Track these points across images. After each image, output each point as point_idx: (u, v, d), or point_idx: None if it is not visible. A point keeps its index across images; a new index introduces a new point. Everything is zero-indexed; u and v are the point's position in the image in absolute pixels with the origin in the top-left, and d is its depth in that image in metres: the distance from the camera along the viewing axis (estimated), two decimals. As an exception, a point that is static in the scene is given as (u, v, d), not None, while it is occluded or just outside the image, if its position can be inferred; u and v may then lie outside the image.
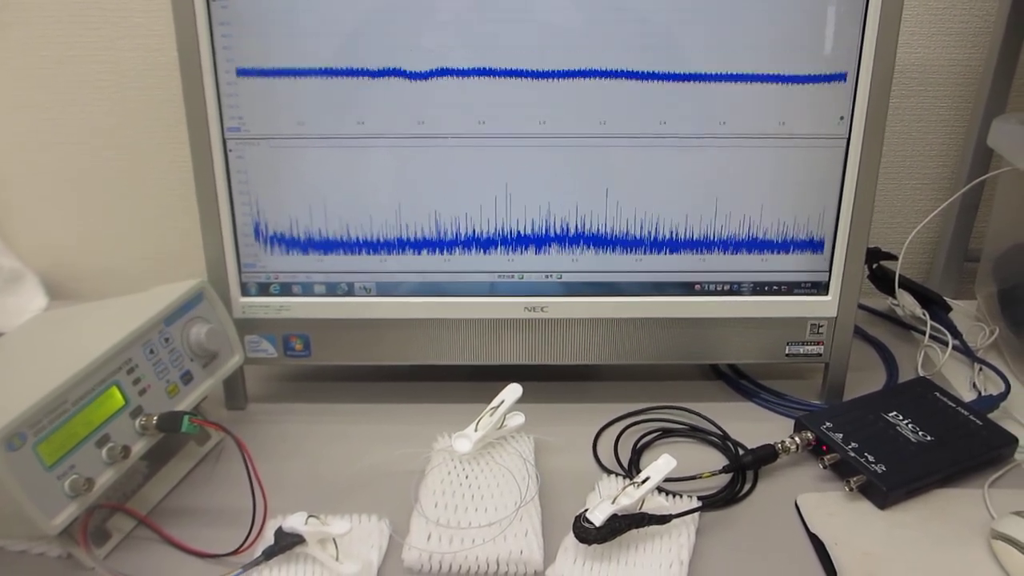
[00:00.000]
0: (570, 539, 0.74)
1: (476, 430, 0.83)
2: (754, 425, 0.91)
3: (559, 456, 0.86)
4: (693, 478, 0.82)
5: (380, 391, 0.99)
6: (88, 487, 0.68)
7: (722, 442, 0.88)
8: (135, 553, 0.75)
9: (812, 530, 0.76)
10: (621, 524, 0.72)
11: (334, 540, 0.70)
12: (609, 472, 0.84)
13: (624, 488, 0.73)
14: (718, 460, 0.87)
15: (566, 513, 0.78)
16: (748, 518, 0.79)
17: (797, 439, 0.85)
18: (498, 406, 0.84)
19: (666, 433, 0.90)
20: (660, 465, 0.75)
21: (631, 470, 0.85)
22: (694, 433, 0.90)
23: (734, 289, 0.91)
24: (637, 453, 0.87)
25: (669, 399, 0.95)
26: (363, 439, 0.90)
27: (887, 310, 1.16)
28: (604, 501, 0.73)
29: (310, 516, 0.71)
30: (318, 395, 0.99)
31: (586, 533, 0.71)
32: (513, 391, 0.85)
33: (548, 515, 0.77)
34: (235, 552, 0.73)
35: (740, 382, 0.99)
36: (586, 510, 0.73)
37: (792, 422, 0.90)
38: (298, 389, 1.01)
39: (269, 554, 0.71)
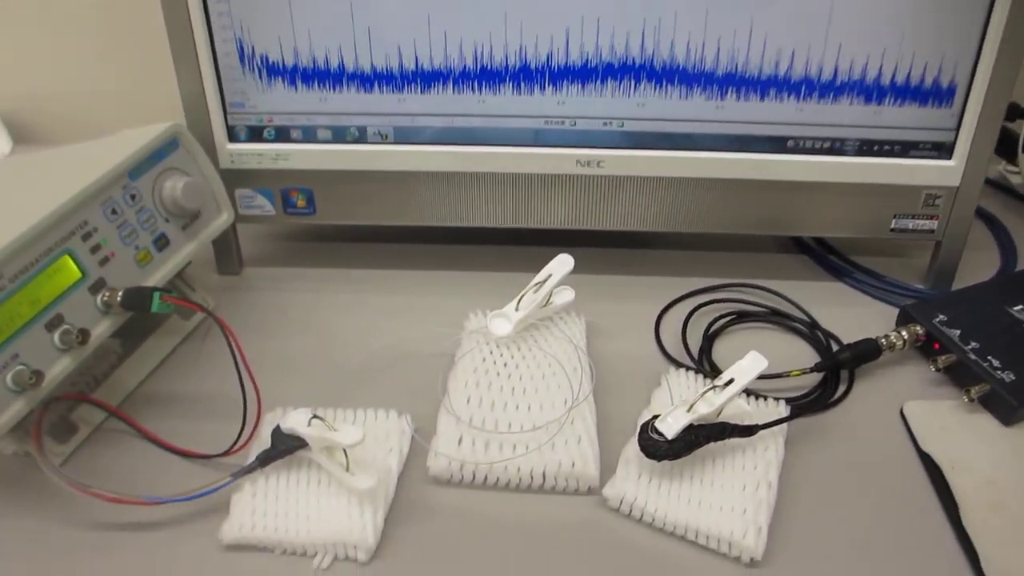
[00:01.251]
0: (632, 449, 0.60)
1: (517, 309, 0.68)
2: (846, 311, 0.76)
3: (616, 342, 0.72)
4: (779, 376, 0.68)
5: (399, 255, 0.84)
6: (36, 381, 0.54)
7: (810, 331, 0.74)
8: (106, 449, 0.63)
9: (923, 448, 0.62)
10: (697, 436, 0.58)
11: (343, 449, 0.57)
12: (677, 364, 0.70)
13: (703, 393, 0.59)
14: (804, 353, 0.72)
15: (625, 415, 0.64)
16: (843, 428, 0.65)
17: (904, 333, 0.70)
18: (544, 281, 0.69)
19: (742, 317, 0.75)
20: (746, 366, 0.61)
21: (702, 361, 0.71)
22: (776, 319, 0.75)
23: (836, 148, 0.73)
24: (709, 340, 0.72)
25: (744, 275, 0.80)
26: (379, 313, 0.76)
27: (998, 177, 0.98)
28: (678, 408, 0.59)
29: (314, 416, 0.58)
30: (325, 258, 0.84)
31: (655, 447, 0.58)
32: (562, 264, 0.69)
33: (604, 416, 0.64)
34: (225, 453, 0.60)
35: (828, 258, 0.83)
36: (655, 418, 0.59)
37: (892, 310, 0.75)
38: (302, 251, 0.86)
39: (264, 459, 0.58)
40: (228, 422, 0.61)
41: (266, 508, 0.56)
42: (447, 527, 0.57)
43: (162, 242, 0.65)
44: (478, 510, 0.58)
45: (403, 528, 0.57)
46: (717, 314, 0.75)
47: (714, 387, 0.59)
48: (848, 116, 0.72)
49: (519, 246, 0.84)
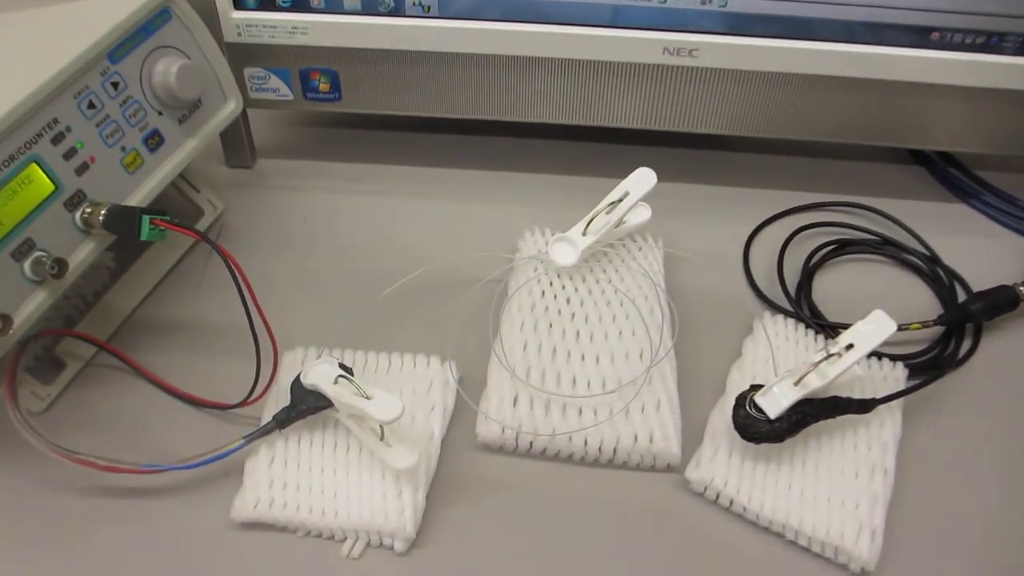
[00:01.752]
0: (720, 420, 0.50)
1: (585, 233, 0.57)
2: (971, 243, 0.64)
3: (697, 273, 0.60)
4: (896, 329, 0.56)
5: (439, 149, 0.72)
6: (3, 326, 0.44)
7: (929, 268, 0.62)
8: (98, 388, 0.54)
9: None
10: (805, 415, 0.48)
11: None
12: (772, 305, 0.59)
13: (817, 363, 0.48)
14: (921, 295, 0.61)
15: (710, 369, 0.54)
16: (968, 397, 0.54)
17: (1050, 278, 0.58)
18: (619, 200, 0.56)
19: (846, 246, 0.63)
20: (869, 330, 0.49)
21: (800, 302, 0.59)
22: (888, 250, 0.63)
23: (992, 43, 0.58)
24: (808, 275, 0.61)
25: (848, 190, 0.67)
26: (415, 221, 0.65)
27: None
28: (784, 380, 0.48)
29: (341, 374, 0.48)
30: (352, 150, 0.72)
31: (754, 428, 0.47)
32: (642, 181, 0.57)
33: (685, 370, 0.54)
34: (238, 405, 0.51)
35: (951, 173, 0.69)
36: (753, 389, 0.49)
37: (1026, 242, 0.63)
38: (325, 140, 0.73)
39: (283, 420, 0.48)
40: (239, 358, 0.51)
41: (285, 479, 0.47)
42: (497, 507, 0.48)
43: (154, 140, 0.53)
44: (533, 485, 0.49)
45: (447, 508, 0.48)
46: (818, 242, 0.63)
47: (828, 355, 0.49)
48: (1011, 4, 0.57)
49: (583, 142, 0.71)
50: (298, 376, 0.49)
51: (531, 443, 0.50)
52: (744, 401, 0.48)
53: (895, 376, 0.54)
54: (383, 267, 0.59)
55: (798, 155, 0.71)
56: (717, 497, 0.48)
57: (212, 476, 0.49)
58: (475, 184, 0.68)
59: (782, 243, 0.63)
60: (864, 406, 0.50)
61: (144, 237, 0.47)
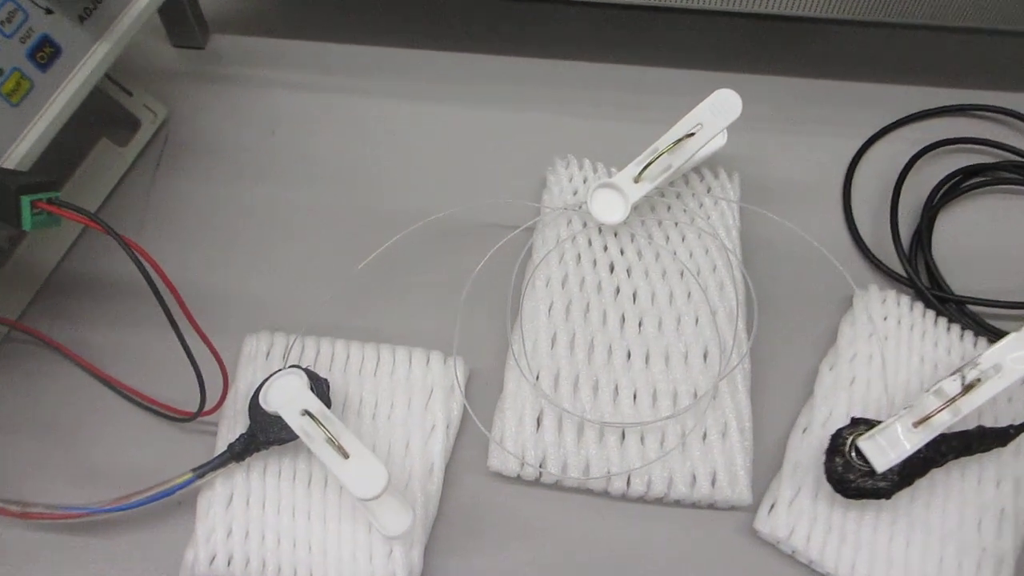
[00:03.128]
0: (803, 447, 0.39)
1: (639, 179, 0.42)
2: None
3: (777, 214, 0.45)
4: (1044, 310, 0.43)
5: (450, 25, 0.55)
6: None
7: (1094, 211, 0.47)
8: (14, 370, 0.43)
9: None
10: (927, 461, 0.36)
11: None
12: (879, 267, 0.45)
13: (949, 401, 0.35)
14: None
15: (787, 364, 0.42)
16: None
17: None
18: (689, 135, 0.41)
19: (979, 172, 0.47)
20: (1020, 339, 0.36)
21: (915, 262, 0.45)
22: (1040, 183, 0.48)
23: None
24: (930, 215, 0.46)
25: (979, 82, 0.50)
26: (408, 136, 0.50)
27: None
28: (900, 419, 0.36)
29: (306, 410, 0.36)
30: (336, 24, 0.55)
31: (857, 485, 0.36)
32: (722, 108, 0.41)
33: (757, 367, 0.41)
34: (185, 417, 0.40)
35: None
36: (854, 427, 0.37)
37: None
38: (300, 9, 0.56)
39: (240, 454, 0.38)
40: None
41: (248, 526, 0.38)
42: (514, 554, 0.38)
43: (45, 53, 0.38)
44: (561, 525, 0.39)
45: (450, 558, 0.38)
46: (943, 167, 0.47)
47: (965, 387, 0.36)
48: None
49: (639, 66, 0.53)
50: (257, 392, 0.38)
51: (558, 480, 0.39)
52: (843, 444, 0.36)
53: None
54: (374, 210, 0.46)
55: (912, 48, 0.53)
56: (794, 553, 0.38)
57: (155, 515, 0.39)
58: (499, 81, 0.52)
59: (900, 170, 0.47)
60: (1002, 437, 0.38)
61: (27, 227, 0.34)
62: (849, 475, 0.36)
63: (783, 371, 0.42)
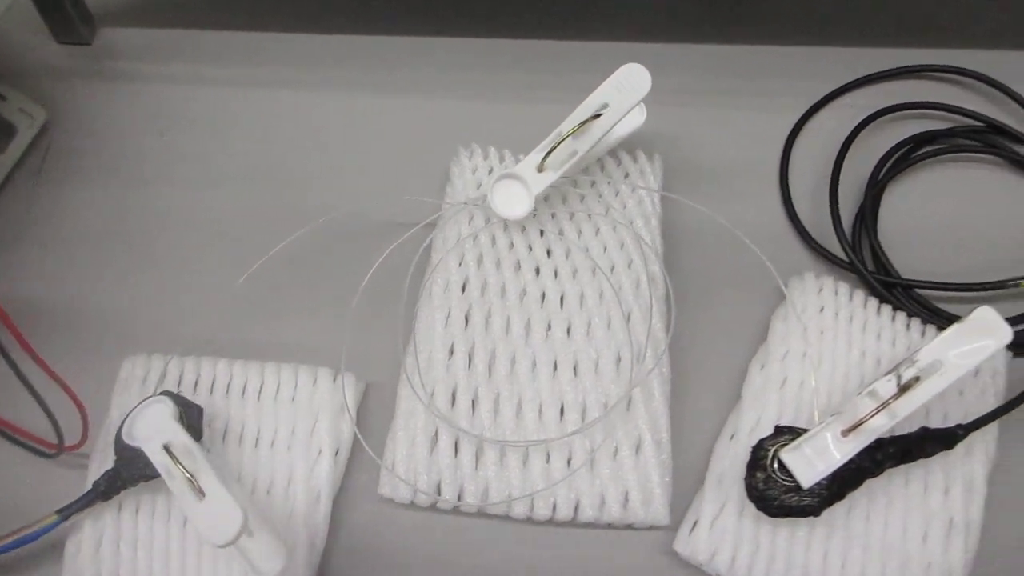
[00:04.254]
0: (728, 458, 0.35)
1: (543, 168, 0.38)
2: None
3: (702, 202, 0.41)
4: (993, 287, 0.39)
5: (350, 9, 0.50)
6: None
7: (1057, 176, 0.42)
8: None
9: None
10: (861, 469, 0.32)
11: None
12: (820, 252, 0.41)
13: (881, 406, 0.31)
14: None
15: (713, 363, 0.39)
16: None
17: None
18: (596, 116, 0.37)
19: (930, 141, 0.43)
20: (969, 342, 0.32)
21: (858, 244, 0.41)
22: (994, 149, 0.43)
23: None
24: (875, 191, 0.41)
25: (930, 45, 0.46)
26: (308, 126, 0.46)
27: None
28: (826, 428, 0.32)
29: (166, 444, 0.33)
30: (230, 12, 0.51)
31: (780, 503, 0.32)
32: (629, 84, 0.37)
33: (679, 369, 0.37)
34: (47, 451, 0.36)
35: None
36: (778, 436, 0.33)
37: None
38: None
39: (105, 493, 0.34)
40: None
41: (118, 569, 0.34)
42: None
43: None
44: (466, 553, 0.35)
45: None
46: (899, 135, 0.43)
47: (901, 388, 0.32)
48: None
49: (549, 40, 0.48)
50: (120, 430, 0.34)
51: (456, 506, 0.35)
52: (764, 457, 0.32)
53: (992, 368, 0.37)
54: (267, 213, 0.42)
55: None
56: (718, 575, 0.34)
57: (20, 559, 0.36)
58: (401, 64, 0.47)
59: (842, 142, 0.43)
60: (948, 440, 0.34)
61: None
62: (771, 491, 0.32)
63: (710, 374, 0.38)
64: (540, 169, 0.38)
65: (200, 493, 0.31)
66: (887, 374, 0.32)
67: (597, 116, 0.37)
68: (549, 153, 0.37)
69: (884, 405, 0.31)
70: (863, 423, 0.31)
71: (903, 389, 0.32)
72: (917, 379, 0.32)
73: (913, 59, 0.45)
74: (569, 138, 0.37)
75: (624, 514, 0.34)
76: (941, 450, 0.34)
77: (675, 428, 0.36)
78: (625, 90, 0.36)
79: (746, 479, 0.33)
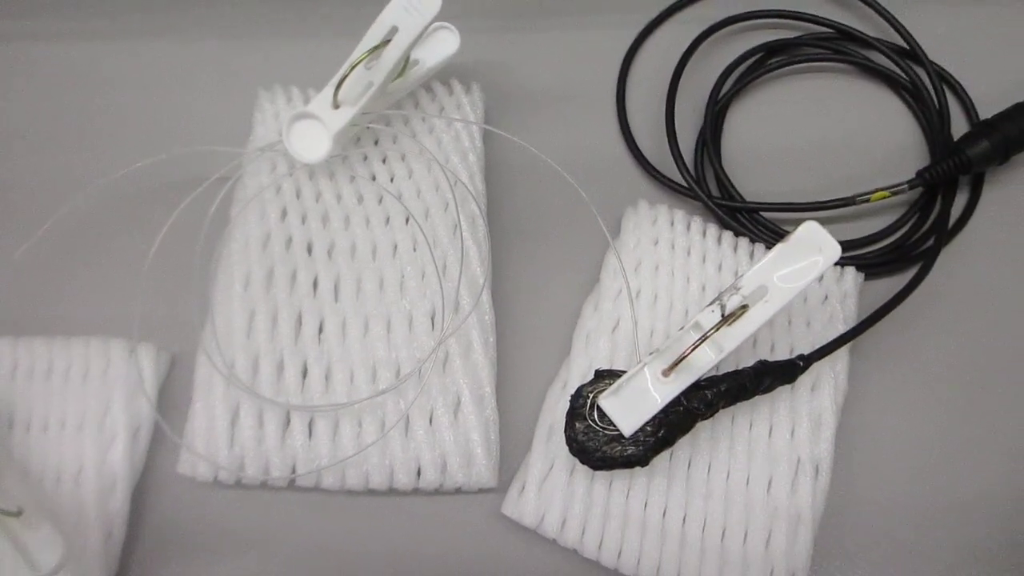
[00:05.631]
0: (560, 412, 0.32)
1: (337, 103, 0.34)
2: (985, 43, 0.41)
3: (531, 136, 0.37)
4: (844, 203, 0.36)
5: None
6: None
7: (912, 87, 0.39)
8: None
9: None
10: (690, 411, 0.30)
11: None
12: (658, 177, 0.38)
13: (703, 336, 0.29)
14: (896, 127, 0.39)
15: (548, 311, 0.35)
16: (961, 302, 0.36)
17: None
18: (382, 44, 0.33)
19: (776, 53, 0.40)
20: (794, 262, 0.29)
21: (700, 162, 0.38)
22: (844, 56, 0.40)
23: None
24: (717, 109, 0.38)
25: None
26: (89, 71, 0.41)
27: None
28: (646, 368, 0.29)
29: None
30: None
31: (602, 453, 0.29)
32: (419, 7, 0.33)
33: (507, 321, 0.34)
34: None
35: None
36: (599, 380, 0.30)
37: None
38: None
39: None
40: None
41: None
42: (233, 566, 0.32)
43: None
44: (285, 530, 0.32)
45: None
46: (740, 48, 0.40)
47: (724, 318, 0.29)
48: None
49: None
50: None
51: (262, 481, 0.32)
52: (583, 405, 0.30)
53: (841, 292, 0.34)
54: (53, 176, 0.38)
55: None
56: (556, 539, 0.31)
57: None
58: (194, 5, 0.43)
59: (678, 59, 0.39)
60: (788, 373, 0.31)
61: None
62: (592, 442, 0.29)
63: (543, 322, 0.35)
64: (336, 106, 0.34)
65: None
66: (710, 304, 0.29)
67: (387, 42, 0.33)
68: (339, 86, 0.33)
69: (704, 339, 0.29)
70: (684, 359, 0.29)
71: (727, 319, 0.29)
72: (745, 308, 0.29)
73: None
74: (361, 67, 0.33)
75: (441, 478, 0.31)
76: (781, 384, 0.31)
77: (506, 382, 0.33)
78: (414, 10, 0.32)
79: (566, 431, 0.30)
